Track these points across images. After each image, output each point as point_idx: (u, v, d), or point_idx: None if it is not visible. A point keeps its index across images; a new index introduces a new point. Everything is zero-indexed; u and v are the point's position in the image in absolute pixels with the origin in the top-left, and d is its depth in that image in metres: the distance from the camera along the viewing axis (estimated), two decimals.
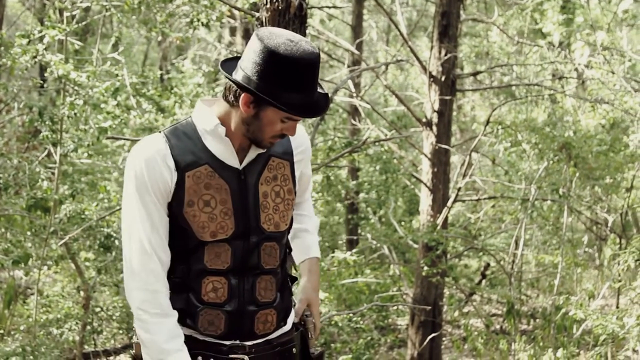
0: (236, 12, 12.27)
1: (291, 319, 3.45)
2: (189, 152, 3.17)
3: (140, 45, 19.56)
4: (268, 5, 5.49)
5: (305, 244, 3.66)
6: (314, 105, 3.10)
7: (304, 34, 5.64)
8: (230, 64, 3.21)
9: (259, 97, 3.04)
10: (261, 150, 3.27)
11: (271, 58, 3.00)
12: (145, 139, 3.22)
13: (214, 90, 13.19)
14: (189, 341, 3.24)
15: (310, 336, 3.47)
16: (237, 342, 3.27)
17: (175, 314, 3.20)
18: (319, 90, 3.17)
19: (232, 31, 16.70)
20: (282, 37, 3.04)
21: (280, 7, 5.46)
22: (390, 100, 17.64)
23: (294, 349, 3.46)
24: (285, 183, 3.36)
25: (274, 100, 3.00)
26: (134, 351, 3.40)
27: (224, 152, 3.21)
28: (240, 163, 3.24)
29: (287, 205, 3.35)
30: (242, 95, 3.09)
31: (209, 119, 3.20)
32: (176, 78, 13.27)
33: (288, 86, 3.02)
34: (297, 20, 5.53)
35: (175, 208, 3.18)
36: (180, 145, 3.18)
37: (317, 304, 3.55)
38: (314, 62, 3.05)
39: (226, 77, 3.15)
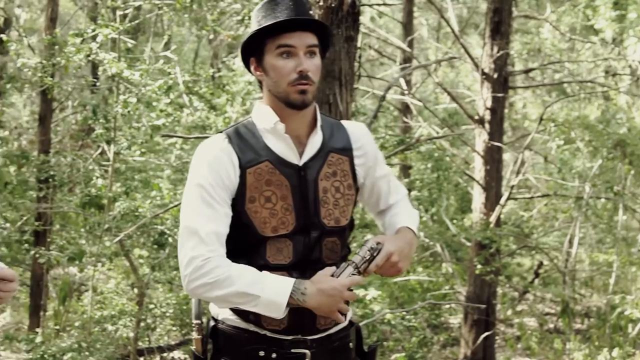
0: None
1: (349, 315, 3.43)
2: (249, 150, 3.21)
3: (191, 44, 19.64)
4: (321, 3, 5.46)
5: (392, 221, 3.54)
6: (288, 22, 3.15)
7: (356, 32, 5.63)
8: None
9: (250, 45, 3.22)
10: (318, 144, 3.29)
11: (255, 13, 3.25)
12: (208, 140, 3.27)
13: None
14: (250, 336, 3.25)
15: (363, 258, 3.24)
16: (299, 336, 3.26)
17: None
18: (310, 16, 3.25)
19: None
20: None
21: (333, 5, 5.45)
22: (440, 97, 17.55)
23: (350, 344, 3.45)
24: (345, 179, 3.35)
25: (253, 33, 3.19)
26: (194, 347, 3.42)
27: (284, 149, 3.24)
28: (300, 158, 3.26)
29: (347, 201, 3.34)
30: (250, 63, 3.26)
31: (268, 117, 3.25)
32: (227, 76, 13.29)
33: (264, 17, 3.19)
34: (349, 18, 5.51)
35: (238, 205, 3.20)
36: (241, 144, 3.22)
37: (395, 245, 3.27)
38: None
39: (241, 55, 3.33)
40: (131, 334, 9.65)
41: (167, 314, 10.37)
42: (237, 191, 3.20)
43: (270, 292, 3.11)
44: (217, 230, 3.17)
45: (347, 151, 3.37)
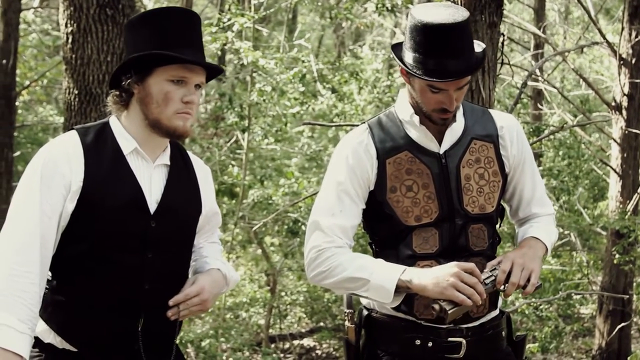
0: None
1: (500, 303, 3.40)
2: (389, 140, 3.26)
3: (315, 32, 19.72)
4: None
5: (524, 232, 3.50)
6: (444, 70, 3.08)
7: (500, 17, 5.52)
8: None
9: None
10: (458, 134, 3.29)
11: (410, 28, 3.12)
12: (350, 132, 3.36)
13: (392, 76, 13.15)
14: (407, 325, 3.26)
15: (488, 277, 3.18)
16: (453, 325, 3.26)
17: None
18: (468, 54, 3.14)
19: None
20: (429, 7, 3.11)
21: None
22: (569, 84, 17.23)
23: (503, 332, 3.45)
24: (490, 165, 3.33)
25: (405, 66, 3.14)
26: (346, 335, 3.45)
27: (423, 138, 3.26)
28: (440, 145, 3.27)
29: (492, 187, 3.33)
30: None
31: (406, 108, 3.28)
32: (355, 64, 13.30)
33: (420, 51, 3.09)
34: (493, 4, 5.41)
35: (379, 195, 3.24)
36: (381, 134, 3.28)
37: (511, 255, 3.23)
38: (447, 28, 3.04)
39: (393, 57, 3.27)
40: (262, 321, 9.75)
41: (298, 302, 10.46)
42: (376, 182, 3.24)
43: (380, 277, 3.12)
44: (340, 223, 3.23)
45: (491, 137, 3.36)
